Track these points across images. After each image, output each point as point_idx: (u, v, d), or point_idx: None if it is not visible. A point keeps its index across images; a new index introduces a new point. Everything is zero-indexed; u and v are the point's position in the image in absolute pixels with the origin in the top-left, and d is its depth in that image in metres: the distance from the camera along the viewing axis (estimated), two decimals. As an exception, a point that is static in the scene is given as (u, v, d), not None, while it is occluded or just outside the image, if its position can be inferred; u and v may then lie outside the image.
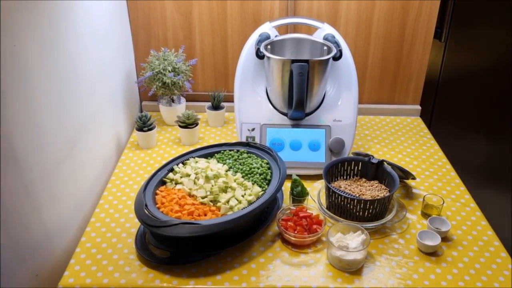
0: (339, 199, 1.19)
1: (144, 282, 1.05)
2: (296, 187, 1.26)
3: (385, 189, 1.26)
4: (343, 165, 1.32)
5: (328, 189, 1.22)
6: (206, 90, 1.80)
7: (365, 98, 1.81)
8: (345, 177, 1.33)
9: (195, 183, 1.21)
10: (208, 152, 1.34)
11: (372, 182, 1.30)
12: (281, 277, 1.07)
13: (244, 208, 1.13)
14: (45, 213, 1.09)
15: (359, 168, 1.32)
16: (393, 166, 1.30)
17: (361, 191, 1.25)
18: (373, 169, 1.30)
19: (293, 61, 1.31)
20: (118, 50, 1.58)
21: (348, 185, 1.28)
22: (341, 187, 1.27)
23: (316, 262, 1.12)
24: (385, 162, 1.28)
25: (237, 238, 1.13)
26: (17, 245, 0.99)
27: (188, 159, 1.30)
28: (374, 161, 1.28)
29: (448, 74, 1.92)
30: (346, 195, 1.18)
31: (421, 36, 1.69)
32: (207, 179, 1.20)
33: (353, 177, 1.33)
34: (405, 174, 1.34)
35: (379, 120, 1.79)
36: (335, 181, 1.32)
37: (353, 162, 1.32)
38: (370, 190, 1.26)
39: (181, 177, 1.24)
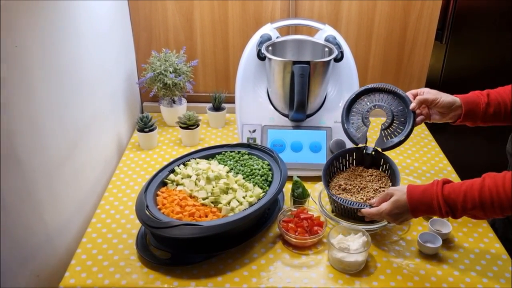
0: (342, 206, 1.19)
1: (145, 283, 1.05)
2: (297, 189, 1.26)
3: (385, 176, 1.26)
4: (337, 160, 1.30)
5: (330, 196, 1.22)
6: (207, 91, 1.80)
7: (366, 99, 1.80)
8: (342, 169, 1.32)
9: (196, 184, 1.21)
10: (209, 153, 1.34)
11: (370, 170, 1.29)
12: (282, 279, 1.07)
13: (245, 209, 1.13)
14: (46, 214, 1.09)
15: (354, 157, 1.31)
16: (392, 92, 1.25)
17: (361, 183, 1.24)
18: (369, 157, 1.29)
19: (294, 63, 1.31)
20: (120, 51, 1.58)
21: (348, 180, 1.27)
22: (341, 185, 1.25)
23: (317, 263, 1.12)
24: (379, 149, 1.27)
25: (238, 239, 1.13)
26: (18, 245, 0.99)
27: (189, 160, 1.30)
28: (368, 151, 1.27)
29: (449, 76, 1.91)
30: (350, 204, 1.17)
31: (422, 37, 1.69)
32: (208, 180, 1.20)
33: (349, 167, 1.31)
34: (403, 101, 1.24)
35: (380, 122, 1.78)
36: (333, 177, 1.30)
37: (347, 154, 1.30)
38: (371, 181, 1.25)
39: (182, 178, 1.24)
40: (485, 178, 0.98)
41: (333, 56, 1.37)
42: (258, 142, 1.42)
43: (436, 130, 1.86)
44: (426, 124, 1.80)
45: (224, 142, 1.60)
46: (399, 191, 1.06)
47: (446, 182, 1.02)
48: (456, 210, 0.99)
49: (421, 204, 1.03)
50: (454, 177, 1.45)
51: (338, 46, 1.41)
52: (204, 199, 1.17)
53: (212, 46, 1.72)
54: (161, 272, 1.08)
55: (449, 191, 1.00)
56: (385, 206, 1.08)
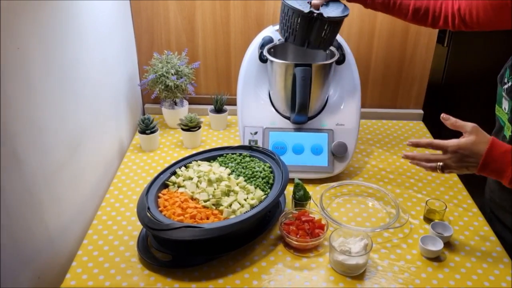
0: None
1: (145, 285, 1.05)
2: (299, 191, 1.26)
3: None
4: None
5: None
6: (209, 93, 1.80)
7: (367, 102, 1.81)
8: None
9: (197, 186, 1.21)
10: (210, 155, 1.34)
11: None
12: (283, 281, 1.07)
13: (246, 212, 1.13)
14: (47, 216, 1.09)
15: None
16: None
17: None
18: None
19: (296, 65, 1.31)
20: (121, 53, 1.58)
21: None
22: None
23: (318, 266, 1.12)
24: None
25: (239, 241, 1.13)
26: (19, 247, 0.99)
27: (190, 162, 1.30)
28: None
29: (451, 79, 1.91)
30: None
31: (424, 40, 1.69)
32: (210, 182, 1.20)
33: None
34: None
35: (382, 124, 1.79)
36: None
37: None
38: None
39: (183, 180, 1.24)
40: None
41: (335, 58, 1.37)
42: (260, 144, 1.42)
43: (436, 130, 1.86)
44: (426, 124, 1.80)
45: (225, 144, 1.60)
46: (484, 136, 1.01)
47: None
48: None
49: (497, 161, 0.99)
50: (455, 180, 1.45)
51: (340, 49, 1.41)
52: (205, 201, 1.17)
53: (214, 48, 1.72)
54: (162, 274, 1.08)
55: None
56: (459, 141, 1.02)
